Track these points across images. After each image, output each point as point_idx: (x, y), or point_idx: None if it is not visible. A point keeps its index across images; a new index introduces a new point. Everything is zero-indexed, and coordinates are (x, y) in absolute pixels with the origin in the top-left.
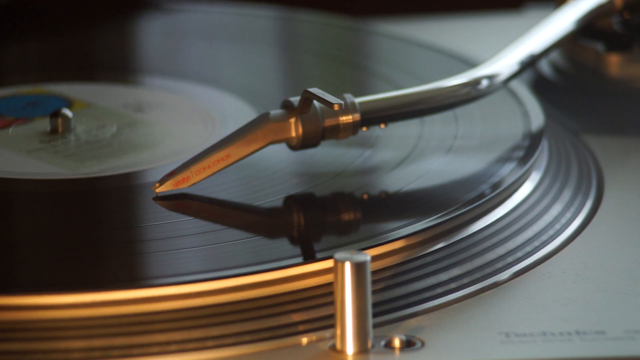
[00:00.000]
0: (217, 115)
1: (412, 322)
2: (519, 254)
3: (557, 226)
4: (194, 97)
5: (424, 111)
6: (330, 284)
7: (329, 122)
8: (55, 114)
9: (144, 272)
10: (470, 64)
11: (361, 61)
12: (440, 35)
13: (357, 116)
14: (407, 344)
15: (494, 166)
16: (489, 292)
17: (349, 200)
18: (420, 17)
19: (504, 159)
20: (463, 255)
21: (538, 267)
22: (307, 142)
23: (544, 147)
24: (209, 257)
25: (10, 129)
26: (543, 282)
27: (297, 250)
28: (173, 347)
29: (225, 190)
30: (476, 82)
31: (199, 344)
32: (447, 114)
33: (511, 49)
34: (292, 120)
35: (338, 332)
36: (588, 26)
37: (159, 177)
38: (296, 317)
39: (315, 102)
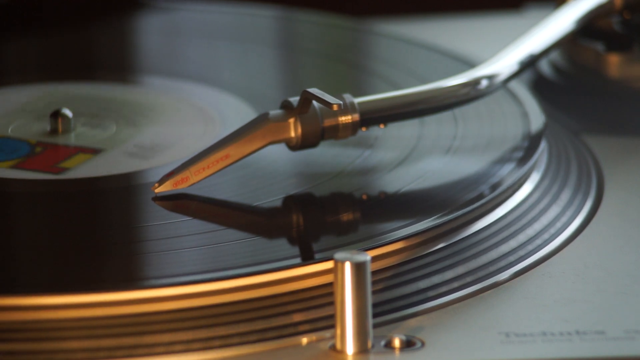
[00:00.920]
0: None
1: (412, 322)
2: (519, 254)
3: (557, 226)
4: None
5: (424, 111)
6: (330, 284)
7: (328, 122)
8: (55, 114)
9: (143, 273)
10: (470, 64)
11: (361, 61)
12: (440, 35)
13: (356, 116)
14: (407, 344)
15: (493, 166)
16: (489, 292)
17: (348, 201)
18: (420, 17)
19: (503, 160)
20: (463, 255)
21: (538, 267)
22: (306, 142)
23: (543, 147)
24: (208, 257)
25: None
26: (543, 282)
27: (297, 250)
28: (173, 348)
29: (224, 191)
30: (476, 82)
31: (199, 345)
32: (447, 115)
33: (511, 49)
34: (292, 120)
35: (338, 332)
36: (588, 26)
37: (158, 177)
38: (296, 318)
39: (314, 102)
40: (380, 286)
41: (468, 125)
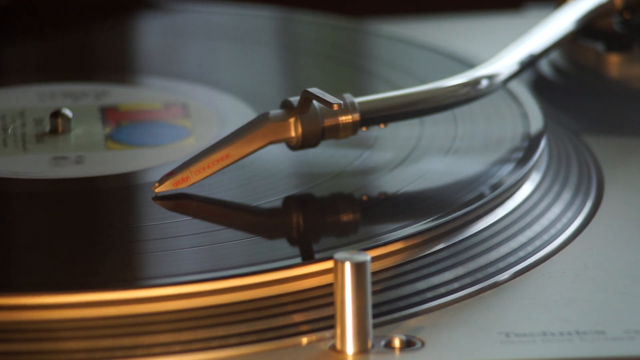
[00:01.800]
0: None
1: (412, 322)
2: (519, 254)
3: (558, 226)
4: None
5: (424, 111)
6: (330, 285)
7: (328, 122)
8: (55, 114)
9: (143, 272)
10: (470, 64)
11: (361, 61)
12: (440, 35)
13: (356, 116)
14: (407, 344)
15: (493, 167)
16: (489, 292)
17: (348, 201)
18: (420, 17)
19: (503, 160)
20: (463, 255)
21: (538, 267)
22: (306, 142)
23: (543, 147)
24: (208, 257)
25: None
26: (543, 282)
27: (297, 250)
28: (172, 348)
29: (224, 191)
30: (476, 82)
31: (199, 345)
32: (447, 115)
33: (511, 49)
34: (292, 120)
35: (338, 332)
36: (588, 26)
37: (159, 177)
38: (296, 318)
39: (314, 102)
40: (380, 286)
41: (468, 125)
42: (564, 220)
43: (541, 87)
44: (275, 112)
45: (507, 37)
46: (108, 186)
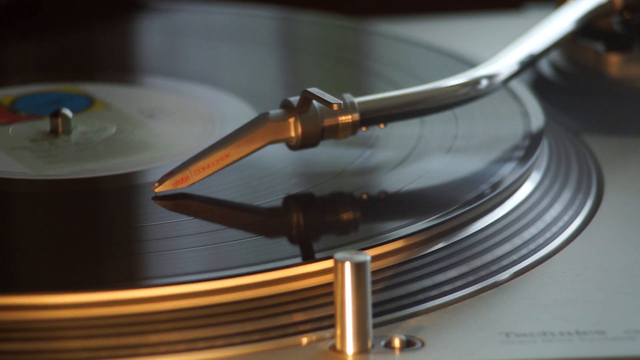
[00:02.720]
0: (216, 115)
1: (412, 322)
2: (519, 254)
3: (558, 226)
4: (194, 98)
5: (424, 111)
6: (330, 284)
7: (328, 122)
8: (55, 114)
9: (143, 272)
10: (470, 64)
11: (361, 61)
12: (440, 35)
13: (356, 116)
14: (407, 344)
15: (494, 166)
16: (489, 292)
17: (348, 200)
18: (420, 17)
19: (504, 159)
20: (463, 255)
21: (538, 267)
22: (306, 142)
23: (544, 147)
24: (208, 257)
25: (11, 127)
26: (543, 282)
27: (297, 250)
28: (173, 348)
29: (224, 190)
30: (476, 82)
31: (199, 345)
32: (447, 114)
33: (511, 49)
34: (291, 120)
35: (338, 332)
36: (588, 26)
37: (159, 177)
38: (296, 317)
39: (314, 102)
40: (380, 286)
41: (468, 124)
42: (564, 219)
43: (541, 87)
44: (275, 112)
45: (507, 37)
46: (108, 186)
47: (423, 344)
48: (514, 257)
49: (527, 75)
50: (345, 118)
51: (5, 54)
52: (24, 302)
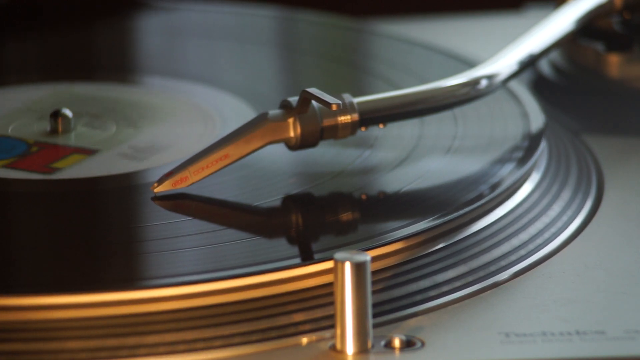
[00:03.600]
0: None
1: (412, 322)
2: (519, 254)
3: (558, 226)
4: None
5: (423, 111)
6: (330, 284)
7: (327, 122)
8: (55, 114)
9: (142, 273)
10: (470, 64)
11: (360, 61)
12: (440, 35)
13: (355, 116)
14: (407, 344)
15: (493, 166)
16: (489, 292)
17: (348, 201)
18: (420, 17)
19: (503, 160)
20: (463, 255)
21: (538, 267)
22: (305, 142)
23: (543, 147)
24: (208, 257)
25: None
26: (543, 282)
27: (297, 250)
28: (173, 348)
29: (224, 190)
30: (475, 82)
31: (198, 345)
32: (447, 114)
33: (511, 49)
34: (291, 120)
35: (338, 332)
36: (588, 26)
37: (158, 177)
38: (296, 317)
39: (313, 102)
40: (380, 286)
41: (468, 125)
42: (564, 219)
43: (541, 87)
44: (274, 112)
45: (507, 37)
46: (108, 186)
47: (423, 344)
48: (514, 257)
49: (527, 75)
50: (345, 118)
51: (6, 54)
52: (24, 302)
